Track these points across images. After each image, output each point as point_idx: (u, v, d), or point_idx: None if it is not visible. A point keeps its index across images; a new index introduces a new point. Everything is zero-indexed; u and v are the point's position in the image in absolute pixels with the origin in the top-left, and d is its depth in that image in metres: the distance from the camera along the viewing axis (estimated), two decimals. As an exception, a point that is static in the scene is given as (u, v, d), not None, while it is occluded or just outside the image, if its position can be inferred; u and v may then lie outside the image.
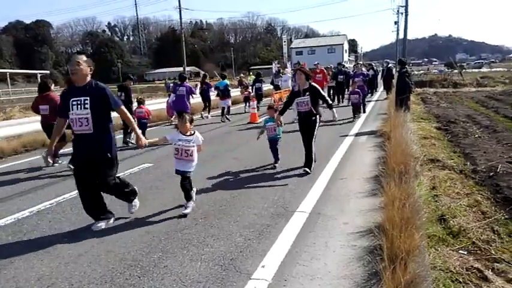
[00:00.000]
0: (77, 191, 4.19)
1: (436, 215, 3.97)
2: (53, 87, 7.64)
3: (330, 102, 6.01)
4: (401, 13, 42.16)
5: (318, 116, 5.87)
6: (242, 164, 6.77)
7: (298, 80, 5.96)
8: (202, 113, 14.55)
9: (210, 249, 3.48)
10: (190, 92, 10.40)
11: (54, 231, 4.16)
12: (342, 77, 16.53)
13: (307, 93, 5.77)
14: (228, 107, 13.78)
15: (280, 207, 4.46)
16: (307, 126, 5.90)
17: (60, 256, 3.54)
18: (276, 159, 6.49)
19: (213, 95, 15.01)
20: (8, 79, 49.08)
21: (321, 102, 6.02)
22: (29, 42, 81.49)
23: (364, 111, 12.87)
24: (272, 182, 5.55)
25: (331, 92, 16.80)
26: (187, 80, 10.75)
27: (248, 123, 12.38)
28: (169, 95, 13.25)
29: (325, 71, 16.40)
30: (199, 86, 14.19)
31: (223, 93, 13.87)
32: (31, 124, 10.83)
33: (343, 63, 31.62)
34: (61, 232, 4.12)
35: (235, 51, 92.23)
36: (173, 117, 11.86)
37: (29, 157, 8.55)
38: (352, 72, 17.81)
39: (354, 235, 3.64)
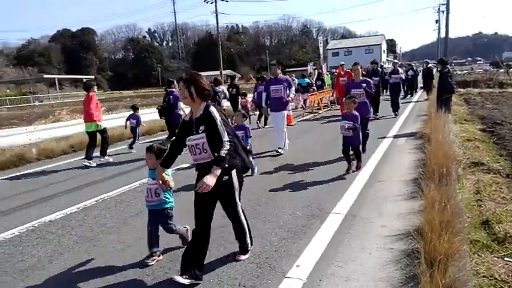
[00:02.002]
0: (122, 188, 4.39)
1: (479, 220, 3.82)
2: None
3: (226, 149, 2.89)
4: (443, 11, 40.61)
5: (234, 173, 3.11)
6: (278, 164, 6.81)
7: (181, 97, 3.21)
8: None
9: (245, 248, 3.54)
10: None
11: (99, 226, 4.40)
12: (376, 79, 12.50)
13: (202, 129, 2.98)
14: (305, 100, 16.68)
15: (315, 209, 4.45)
16: (211, 193, 2.92)
17: (105, 249, 3.75)
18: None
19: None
20: (57, 84, 52.14)
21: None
22: (75, 49, 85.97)
23: (364, 151, 6.95)
24: (307, 184, 5.54)
25: None
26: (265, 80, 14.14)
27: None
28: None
29: (351, 72, 14.09)
30: None
31: (305, 89, 16.89)
32: (78, 126, 11.45)
33: (381, 63, 30.54)
34: (106, 227, 4.35)
35: (271, 54, 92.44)
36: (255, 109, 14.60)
37: (76, 157, 9.05)
38: (387, 74, 15.01)
39: (392, 238, 3.57)
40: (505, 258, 3.09)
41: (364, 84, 7.30)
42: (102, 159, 8.22)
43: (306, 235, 3.74)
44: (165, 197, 3.51)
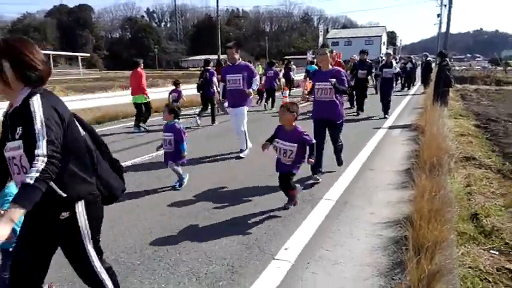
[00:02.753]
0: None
1: (468, 212, 3.85)
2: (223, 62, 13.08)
3: (38, 169, 1.57)
4: (445, 5, 40.27)
5: (80, 207, 1.88)
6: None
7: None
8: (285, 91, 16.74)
9: (235, 229, 3.56)
10: (277, 74, 13.73)
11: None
12: (363, 72, 11.34)
13: (19, 132, 1.73)
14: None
15: (306, 194, 4.47)
16: (38, 238, 1.92)
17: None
18: None
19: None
20: (51, 61, 51.33)
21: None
22: (72, 26, 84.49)
23: (340, 164, 5.44)
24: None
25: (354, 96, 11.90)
26: (275, 65, 14.34)
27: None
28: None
29: (342, 62, 12.83)
30: (283, 70, 17.91)
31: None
32: (71, 103, 11.33)
33: (381, 55, 30.18)
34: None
35: (270, 40, 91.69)
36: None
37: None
38: (377, 65, 13.32)
39: (380, 225, 3.60)
40: (491, 251, 3.13)
41: (333, 80, 4.78)
42: (142, 129, 9.28)
43: (296, 219, 3.76)
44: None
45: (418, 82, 21.93)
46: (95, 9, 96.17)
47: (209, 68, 10.41)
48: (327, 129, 5.13)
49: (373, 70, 12.41)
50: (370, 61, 12.44)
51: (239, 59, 6.45)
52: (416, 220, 3.04)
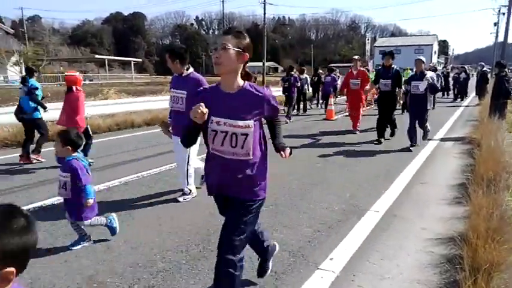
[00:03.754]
0: (162, 167, 4.48)
1: (528, 233, 3.58)
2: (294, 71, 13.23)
3: None
4: (503, 13, 37.95)
5: None
6: (315, 158, 6.73)
7: None
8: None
9: (278, 235, 3.54)
10: (334, 80, 14.42)
11: (139, 200, 4.56)
12: (387, 81, 8.06)
13: None
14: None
15: (353, 205, 4.36)
16: None
17: (144, 223, 3.89)
18: None
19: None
20: (106, 65, 54.35)
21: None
22: (126, 33, 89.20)
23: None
24: (347, 179, 5.43)
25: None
26: (334, 72, 15.12)
27: (324, 119, 12.50)
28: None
29: (366, 72, 9.92)
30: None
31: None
32: (124, 105, 11.92)
33: (430, 64, 28.55)
34: (146, 201, 4.50)
35: (315, 47, 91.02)
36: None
37: (120, 135, 9.43)
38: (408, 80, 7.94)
39: (432, 241, 3.43)
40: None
41: (248, 121, 2.14)
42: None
43: (342, 230, 3.68)
44: None
45: (471, 93, 20.80)
46: (147, 17, 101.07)
47: (292, 73, 12.38)
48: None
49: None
50: (398, 68, 8.33)
51: (188, 70, 4.49)
52: (472, 238, 2.87)
